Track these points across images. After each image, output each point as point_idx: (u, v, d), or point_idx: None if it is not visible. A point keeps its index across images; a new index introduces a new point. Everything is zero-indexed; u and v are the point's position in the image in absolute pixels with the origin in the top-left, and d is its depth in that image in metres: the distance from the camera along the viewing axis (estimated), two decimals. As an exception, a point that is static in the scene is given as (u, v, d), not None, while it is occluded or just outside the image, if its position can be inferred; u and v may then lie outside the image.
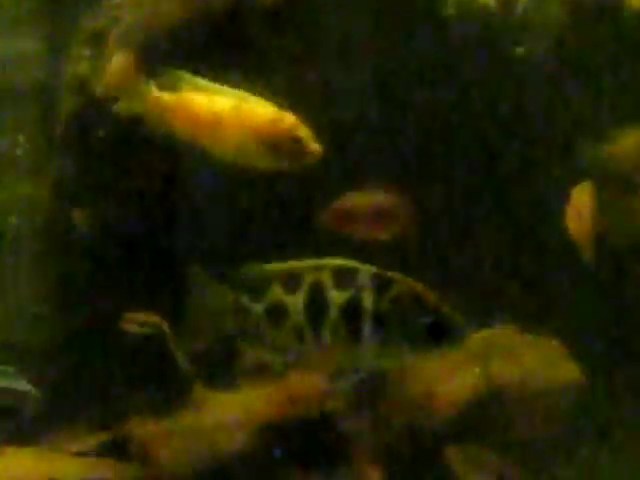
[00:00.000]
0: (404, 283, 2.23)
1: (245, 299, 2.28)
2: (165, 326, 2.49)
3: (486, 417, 2.58)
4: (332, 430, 2.63)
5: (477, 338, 2.61)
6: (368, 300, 2.13)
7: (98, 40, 2.60)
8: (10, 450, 2.49)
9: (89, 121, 2.60)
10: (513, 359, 2.58)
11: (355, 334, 2.13)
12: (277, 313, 2.21)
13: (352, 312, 2.12)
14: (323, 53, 3.12)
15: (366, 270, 2.32)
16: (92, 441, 2.49)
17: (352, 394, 2.68)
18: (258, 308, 2.22)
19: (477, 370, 2.55)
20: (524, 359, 2.56)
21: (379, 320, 2.12)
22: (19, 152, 2.75)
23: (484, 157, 3.30)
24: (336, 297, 2.16)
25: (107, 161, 2.71)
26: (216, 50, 2.63)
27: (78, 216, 2.72)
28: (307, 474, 2.59)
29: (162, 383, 2.52)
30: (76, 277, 2.78)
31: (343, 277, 2.20)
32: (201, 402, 2.53)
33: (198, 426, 2.50)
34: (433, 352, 2.25)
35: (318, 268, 2.23)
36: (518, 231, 3.18)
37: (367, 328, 2.14)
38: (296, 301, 2.22)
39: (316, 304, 2.17)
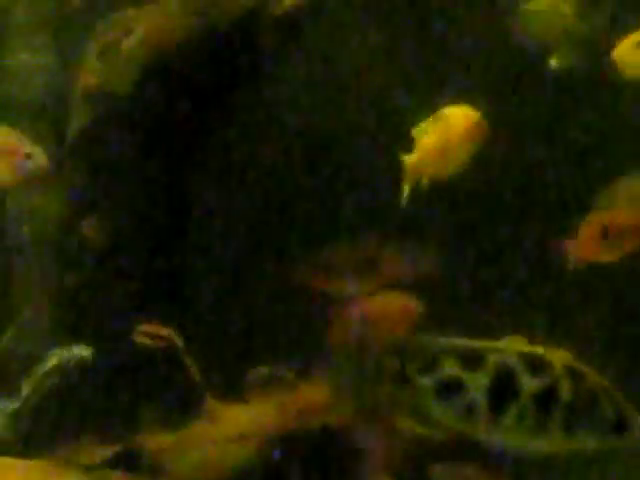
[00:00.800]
0: (594, 376, 2.23)
1: (412, 369, 2.39)
2: (177, 339, 2.48)
3: None
4: (339, 442, 2.67)
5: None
6: (564, 391, 2.16)
7: (109, 53, 2.64)
8: (19, 463, 2.48)
9: (99, 133, 2.63)
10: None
11: (544, 423, 2.16)
12: (449, 387, 2.22)
13: (546, 401, 2.15)
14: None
15: (559, 360, 2.40)
16: (103, 453, 2.48)
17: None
18: (426, 380, 2.26)
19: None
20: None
21: (572, 411, 2.16)
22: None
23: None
24: (529, 384, 2.18)
25: (116, 173, 2.74)
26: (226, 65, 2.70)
27: (87, 227, 2.72)
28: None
29: (174, 395, 2.51)
30: (85, 286, 2.78)
31: (535, 365, 2.22)
32: (213, 414, 2.52)
33: (210, 438, 2.50)
34: (615, 445, 2.25)
35: (501, 350, 2.27)
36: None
37: (558, 418, 2.20)
38: (476, 378, 2.32)
39: (504, 386, 2.19)
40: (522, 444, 2.32)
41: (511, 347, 2.30)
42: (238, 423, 2.59)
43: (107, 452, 2.54)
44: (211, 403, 2.58)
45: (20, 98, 2.83)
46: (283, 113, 2.79)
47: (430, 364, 2.25)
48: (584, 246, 2.88)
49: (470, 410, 2.22)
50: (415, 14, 3.42)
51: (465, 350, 2.38)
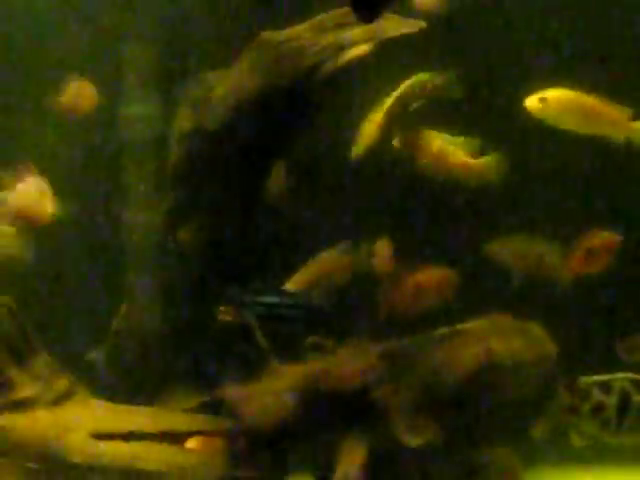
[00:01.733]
0: None
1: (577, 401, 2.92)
2: (250, 317, 2.88)
3: (485, 382, 3.00)
4: (367, 395, 2.99)
5: (479, 323, 3.10)
6: None
7: (197, 104, 3.04)
8: (133, 408, 2.91)
9: (191, 164, 3.09)
10: (505, 338, 3.02)
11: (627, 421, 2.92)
12: (597, 409, 2.93)
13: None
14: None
15: None
16: (195, 401, 2.95)
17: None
18: (585, 407, 2.91)
19: (479, 347, 2.98)
20: (513, 338, 3.00)
21: None
22: (142, 188, 3.15)
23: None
24: (637, 400, 2.94)
25: (203, 193, 3.15)
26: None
27: (182, 236, 3.18)
28: (348, 429, 2.98)
29: (248, 355, 2.94)
30: (181, 280, 3.22)
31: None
32: (276, 372, 2.96)
33: (272, 390, 2.91)
34: None
35: (621, 379, 2.95)
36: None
37: None
38: (610, 401, 2.92)
39: (624, 404, 2.92)
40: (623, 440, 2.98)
41: (626, 376, 2.96)
42: (294, 381, 2.98)
43: (198, 400, 3.01)
44: (274, 364, 3.02)
45: (132, 141, 3.21)
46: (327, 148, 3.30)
47: (585, 395, 2.93)
48: (576, 262, 3.21)
49: (606, 421, 2.93)
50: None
51: (602, 382, 2.96)
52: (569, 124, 2.94)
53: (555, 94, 2.94)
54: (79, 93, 3.20)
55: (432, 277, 3.29)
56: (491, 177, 3.23)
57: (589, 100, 2.95)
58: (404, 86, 3.21)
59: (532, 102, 2.95)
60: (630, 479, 3.18)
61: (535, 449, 3.20)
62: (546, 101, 2.93)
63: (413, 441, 2.98)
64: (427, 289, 3.27)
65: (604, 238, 3.23)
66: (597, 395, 2.95)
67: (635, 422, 2.96)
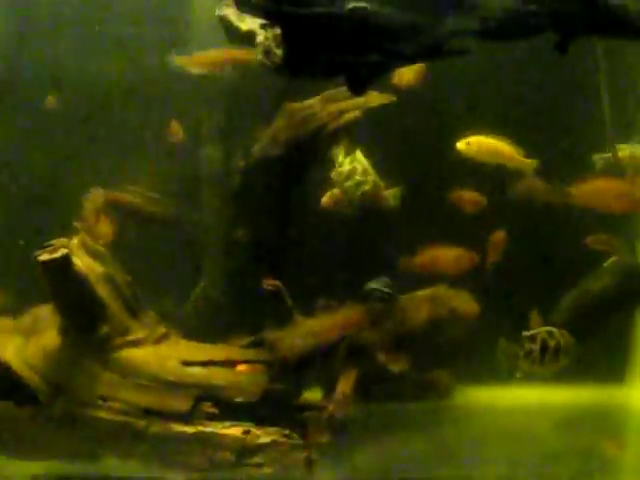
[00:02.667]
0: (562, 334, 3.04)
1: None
2: (282, 286, 2.92)
3: (441, 326, 3.08)
4: (360, 337, 3.02)
5: (427, 292, 3.16)
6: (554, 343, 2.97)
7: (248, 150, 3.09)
8: (207, 345, 2.98)
9: (244, 189, 3.12)
10: (448, 300, 3.09)
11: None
12: (528, 353, 3.02)
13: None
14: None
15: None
16: (246, 341, 3.01)
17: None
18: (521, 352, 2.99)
19: (435, 305, 3.07)
20: (453, 300, 3.08)
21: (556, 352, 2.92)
22: (214, 202, 3.17)
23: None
24: (551, 344, 3.01)
25: (253, 204, 3.16)
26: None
27: (238, 234, 3.20)
28: (345, 360, 3.01)
29: (280, 312, 2.96)
30: (239, 266, 3.24)
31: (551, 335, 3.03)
32: (298, 322, 3.02)
33: (298, 333, 2.97)
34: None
35: (541, 332, 3.06)
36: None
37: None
38: (535, 347, 3.01)
39: (543, 348, 3.01)
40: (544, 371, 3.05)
41: (544, 329, 3.06)
42: (311, 328, 3.05)
43: (249, 340, 3.05)
44: (297, 318, 3.05)
45: (207, 172, 3.22)
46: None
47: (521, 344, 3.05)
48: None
49: (534, 361, 3.02)
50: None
51: (531, 335, 3.07)
52: (483, 158, 2.99)
53: (475, 139, 3.00)
54: (175, 133, 3.16)
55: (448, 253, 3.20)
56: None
57: (497, 143, 3.01)
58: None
59: (461, 144, 3.01)
60: (534, 393, 3.18)
61: (465, 371, 3.24)
62: (470, 143, 2.99)
63: (394, 368, 3.06)
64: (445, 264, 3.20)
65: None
66: (527, 344, 3.05)
67: (550, 359, 3.03)
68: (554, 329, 2.95)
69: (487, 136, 2.95)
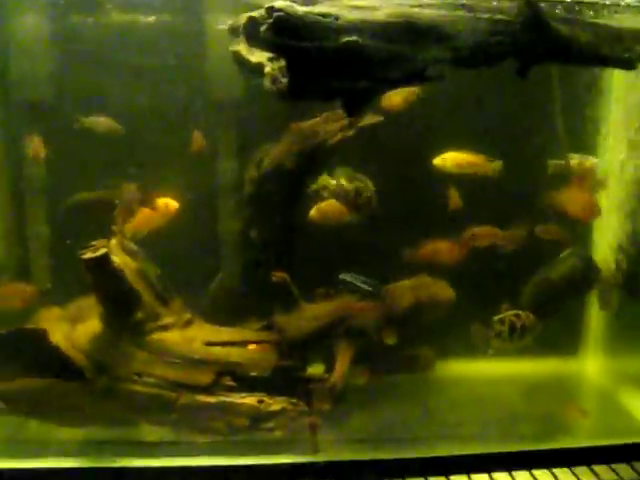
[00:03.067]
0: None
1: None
2: (288, 277, 2.92)
3: (423, 309, 3.05)
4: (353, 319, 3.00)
5: (411, 281, 3.14)
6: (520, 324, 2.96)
7: (259, 162, 3.02)
8: (226, 329, 2.98)
9: (256, 195, 3.02)
10: (429, 287, 3.09)
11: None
12: (498, 334, 3.01)
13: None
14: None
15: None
16: (260, 324, 3.02)
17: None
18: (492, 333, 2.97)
19: (418, 292, 3.05)
20: (430, 288, 3.07)
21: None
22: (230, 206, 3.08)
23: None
24: (517, 325, 3.00)
25: (264, 209, 3.07)
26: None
27: (252, 233, 3.12)
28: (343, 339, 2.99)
29: (287, 299, 2.97)
30: (252, 261, 3.15)
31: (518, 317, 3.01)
32: (303, 308, 3.01)
33: (303, 317, 2.99)
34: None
35: (508, 315, 3.03)
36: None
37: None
38: (505, 329, 3.02)
39: (511, 329, 3.03)
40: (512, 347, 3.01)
41: (511, 312, 3.03)
42: (313, 313, 3.04)
43: (261, 323, 3.05)
44: (302, 304, 3.04)
45: (224, 181, 3.12)
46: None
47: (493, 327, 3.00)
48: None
49: (504, 340, 2.99)
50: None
51: (500, 318, 3.04)
52: (458, 170, 2.99)
53: (449, 154, 2.99)
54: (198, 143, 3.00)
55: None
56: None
57: (467, 155, 3.01)
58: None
59: (437, 160, 2.99)
60: (502, 365, 3.19)
61: (444, 348, 3.23)
62: (445, 159, 2.99)
63: (387, 341, 3.04)
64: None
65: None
66: (498, 327, 3.02)
67: (517, 338, 3.01)
68: (520, 312, 2.93)
69: (459, 151, 2.95)
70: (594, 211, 3.02)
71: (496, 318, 3.00)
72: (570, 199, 2.99)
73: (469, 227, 3.07)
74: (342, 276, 3.03)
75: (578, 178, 3.02)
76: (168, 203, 2.76)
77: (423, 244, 3.06)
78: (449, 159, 2.95)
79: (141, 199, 2.79)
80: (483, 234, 3.09)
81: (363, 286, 3.01)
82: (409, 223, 3.13)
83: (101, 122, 2.64)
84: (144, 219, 2.76)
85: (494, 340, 2.98)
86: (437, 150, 3.00)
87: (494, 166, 2.91)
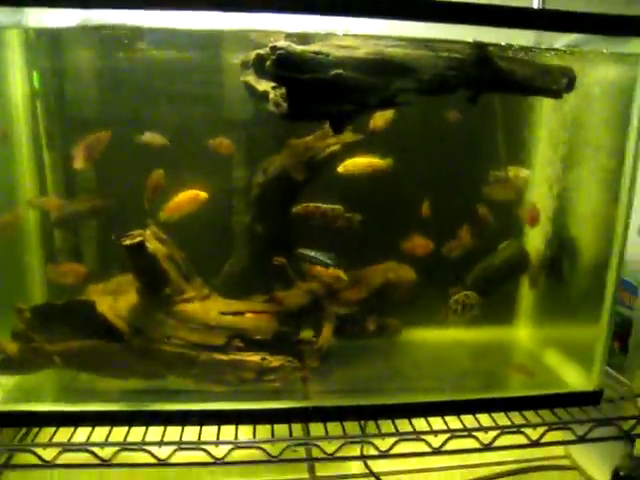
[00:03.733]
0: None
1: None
2: (286, 262, 2.84)
3: (391, 287, 2.99)
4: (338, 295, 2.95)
5: (381, 266, 3.06)
6: (469, 302, 2.94)
7: (265, 170, 2.92)
8: (235, 301, 2.88)
9: (261, 197, 2.93)
10: (396, 270, 3.01)
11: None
12: (454, 311, 2.99)
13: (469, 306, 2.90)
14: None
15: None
16: (263, 298, 2.93)
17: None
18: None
19: (387, 273, 3.00)
20: (399, 270, 2.99)
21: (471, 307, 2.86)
22: (241, 206, 2.98)
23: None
24: (467, 302, 2.97)
25: (268, 208, 2.98)
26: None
27: (257, 228, 3.01)
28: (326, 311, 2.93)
29: (285, 279, 2.89)
30: (257, 249, 3.03)
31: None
32: (298, 286, 2.94)
33: (297, 293, 2.93)
34: None
35: (461, 295, 2.98)
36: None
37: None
38: (459, 307, 2.98)
39: (463, 306, 3.00)
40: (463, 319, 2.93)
41: (464, 292, 2.93)
42: (305, 290, 2.96)
43: (263, 298, 2.94)
44: (297, 282, 2.95)
45: (237, 185, 2.99)
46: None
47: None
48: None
49: (459, 316, 2.95)
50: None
51: (456, 298, 2.97)
52: (358, 172, 2.88)
53: (349, 161, 2.89)
54: (221, 144, 2.84)
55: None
56: None
57: (364, 159, 2.90)
58: None
59: (340, 168, 2.90)
60: (454, 332, 3.09)
61: (408, 318, 3.11)
62: (346, 165, 2.89)
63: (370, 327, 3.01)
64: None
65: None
66: (454, 305, 2.97)
67: (467, 312, 2.97)
68: (468, 292, 2.85)
69: (359, 156, 2.84)
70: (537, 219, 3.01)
71: (452, 299, 2.89)
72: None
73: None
74: (300, 250, 2.86)
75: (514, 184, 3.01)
76: (199, 193, 2.69)
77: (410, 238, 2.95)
78: (349, 164, 2.85)
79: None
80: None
81: (320, 258, 2.85)
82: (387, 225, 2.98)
83: (156, 138, 2.64)
84: (177, 205, 2.69)
85: (451, 315, 2.91)
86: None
87: (385, 162, 2.80)
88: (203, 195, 2.81)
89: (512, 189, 3.08)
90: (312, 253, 2.90)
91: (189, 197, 2.80)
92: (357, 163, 2.90)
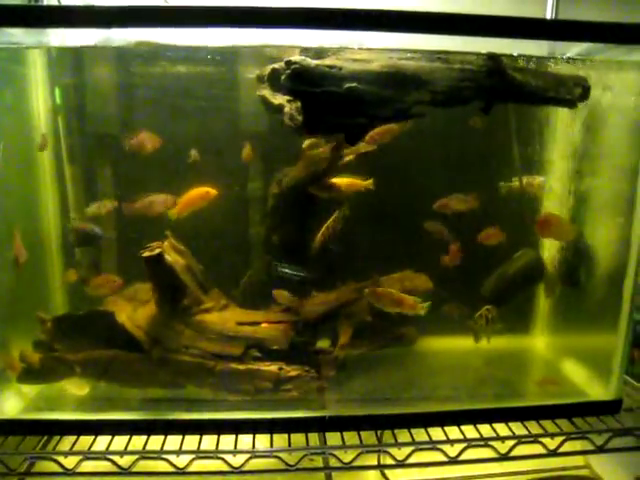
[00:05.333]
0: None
1: None
2: (304, 270, 2.85)
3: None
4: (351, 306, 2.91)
5: (397, 275, 3.02)
6: (491, 315, 2.84)
7: (280, 180, 2.95)
8: (252, 312, 2.92)
9: (277, 207, 2.96)
10: (412, 279, 2.98)
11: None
12: (480, 325, 2.88)
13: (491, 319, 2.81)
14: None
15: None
16: (280, 308, 2.93)
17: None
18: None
19: (404, 283, 2.95)
20: (415, 279, 2.97)
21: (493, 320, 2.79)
22: (257, 217, 2.98)
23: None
24: (483, 314, 2.86)
25: (282, 219, 2.98)
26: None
27: (273, 238, 3.03)
28: (344, 319, 2.90)
29: (302, 289, 2.89)
30: (274, 260, 2.99)
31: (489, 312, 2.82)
32: (314, 296, 2.97)
33: (314, 303, 2.95)
34: None
35: (484, 310, 2.88)
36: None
37: None
38: (482, 322, 2.88)
39: (486, 320, 2.88)
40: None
41: (486, 307, 2.86)
42: (322, 299, 2.98)
43: (280, 308, 2.94)
44: (313, 292, 2.99)
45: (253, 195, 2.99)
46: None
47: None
48: None
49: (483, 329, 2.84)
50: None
51: (480, 314, 2.89)
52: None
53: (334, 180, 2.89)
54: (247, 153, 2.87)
55: None
56: None
57: (343, 179, 2.90)
58: None
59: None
60: (470, 341, 3.00)
61: (424, 327, 3.08)
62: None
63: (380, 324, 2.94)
64: None
65: None
66: (479, 320, 2.90)
67: (490, 326, 2.89)
68: (489, 306, 2.83)
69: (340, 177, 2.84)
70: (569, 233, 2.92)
71: (476, 315, 2.87)
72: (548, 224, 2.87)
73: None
74: (279, 268, 2.91)
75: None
76: (209, 190, 2.69)
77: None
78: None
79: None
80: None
81: (296, 273, 2.89)
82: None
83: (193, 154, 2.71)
84: (188, 201, 2.70)
85: (478, 330, 2.88)
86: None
87: (367, 183, 2.81)
88: (213, 192, 2.80)
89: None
90: (287, 270, 2.93)
91: (199, 194, 2.78)
92: (341, 183, 2.86)
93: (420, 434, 2.54)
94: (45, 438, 2.23)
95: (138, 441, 2.47)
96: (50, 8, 2.63)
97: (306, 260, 2.94)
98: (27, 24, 2.01)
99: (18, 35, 2.13)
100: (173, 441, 2.49)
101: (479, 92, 2.42)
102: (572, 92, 2.56)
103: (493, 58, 2.42)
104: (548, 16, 3.21)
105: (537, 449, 2.48)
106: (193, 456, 2.38)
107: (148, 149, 2.72)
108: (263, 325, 2.83)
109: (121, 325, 2.70)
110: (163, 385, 2.79)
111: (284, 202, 2.92)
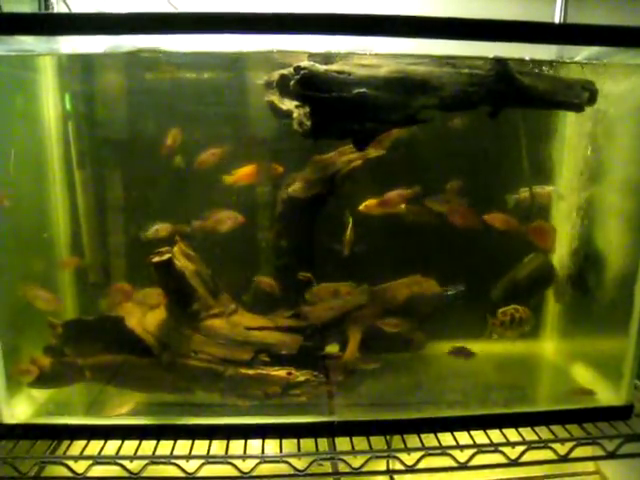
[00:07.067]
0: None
1: None
2: (312, 277, 2.90)
3: (416, 302, 2.94)
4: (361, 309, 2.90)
5: (406, 280, 3.01)
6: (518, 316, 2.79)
7: (288, 186, 2.91)
8: (261, 317, 2.92)
9: (284, 212, 2.93)
10: (420, 284, 2.96)
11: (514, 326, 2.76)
12: (502, 323, 2.84)
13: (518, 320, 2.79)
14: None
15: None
16: (289, 313, 2.93)
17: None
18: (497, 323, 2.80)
19: (412, 288, 2.94)
20: (423, 284, 2.95)
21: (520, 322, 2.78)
22: (268, 224, 2.97)
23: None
24: (517, 316, 2.84)
25: (290, 224, 2.98)
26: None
27: (282, 243, 3.01)
28: (352, 324, 2.89)
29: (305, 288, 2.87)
30: (283, 264, 3.02)
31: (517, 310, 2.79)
32: (323, 301, 2.95)
33: (322, 308, 2.93)
34: None
35: (509, 308, 2.87)
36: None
37: None
38: (506, 319, 2.84)
39: (511, 319, 2.83)
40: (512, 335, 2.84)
41: (511, 306, 2.84)
42: (330, 305, 2.96)
43: (288, 313, 2.94)
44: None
45: (260, 204, 2.98)
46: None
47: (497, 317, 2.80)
48: None
49: (506, 328, 2.83)
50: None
51: (503, 311, 2.87)
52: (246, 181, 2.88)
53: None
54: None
55: None
56: None
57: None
58: None
59: (227, 178, 2.87)
60: (479, 345, 2.98)
61: (432, 332, 3.07)
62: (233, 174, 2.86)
63: (387, 329, 2.95)
64: None
65: None
66: (501, 317, 2.88)
67: (516, 326, 2.87)
68: (518, 306, 2.80)
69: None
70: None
71: (500, 310, 2.83)
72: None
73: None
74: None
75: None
76: (237, 215, 2.76)
77: None
78: (235, 174, 2.85)
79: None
80: None
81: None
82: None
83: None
84: (216, 223, 2.78)
85: (498, 328, 2.83)
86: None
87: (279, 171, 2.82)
88: (241, 219, 2.86)
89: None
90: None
91: (229, 217, 2.85)
92: (244, 172, 2.84)
93: (429, 439, 2.53)
94: (55, 442, 2.21)
95: (148, 446, 2.47)
96: (61, 16, 2.65)
97: (314, 265, 2.97)
98: (38, 32, 2.02)
99: (29, 42, 2.06)
100: (183, 446, 2.49)
101: (487, 96, 2.40)
102: (580, 96, 2.54)
103: (501, 62, 2.40)
104: (557, 20, 3.17)
105: (547, 455, 2.45)
106: (203, 461, 2.37)
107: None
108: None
109: (131, 330, 2.71)
110: (172, 390, 2.79)
111: (293, 207, 2.91)
